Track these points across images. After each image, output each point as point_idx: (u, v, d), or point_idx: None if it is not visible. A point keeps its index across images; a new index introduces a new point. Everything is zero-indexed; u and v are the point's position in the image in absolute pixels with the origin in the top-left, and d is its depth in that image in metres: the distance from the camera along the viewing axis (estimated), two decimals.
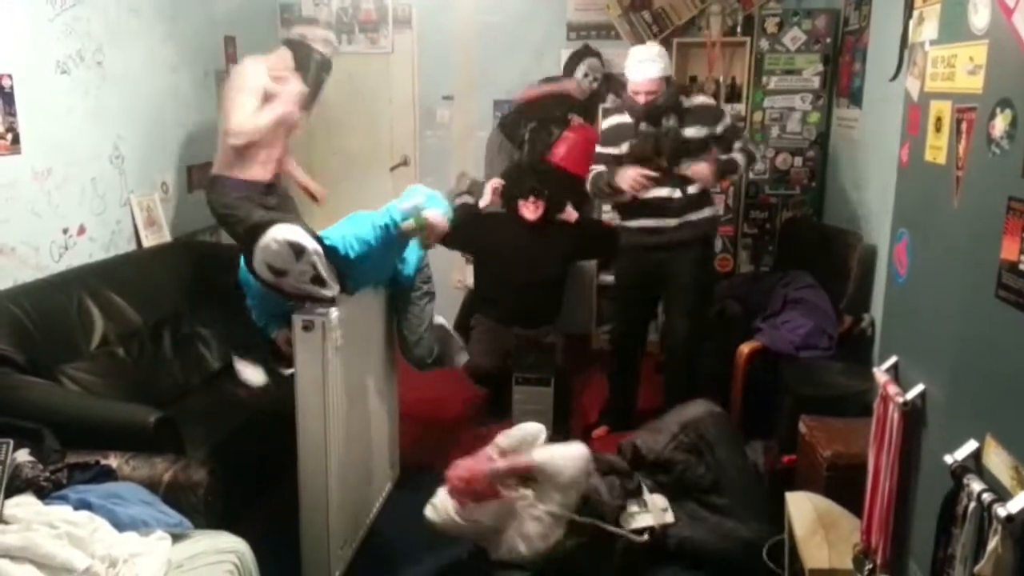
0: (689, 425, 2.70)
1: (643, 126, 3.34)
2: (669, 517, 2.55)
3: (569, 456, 2.49)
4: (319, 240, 2.47)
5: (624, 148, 3.40)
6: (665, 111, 3.31)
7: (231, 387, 3.22)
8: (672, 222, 3.42)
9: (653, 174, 3.30)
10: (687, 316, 3.48)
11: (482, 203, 3.98)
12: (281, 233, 2.38)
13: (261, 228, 2.41)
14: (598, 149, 3.55)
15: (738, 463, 2.68)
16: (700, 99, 3.44)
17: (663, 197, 3.39)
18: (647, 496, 2.60)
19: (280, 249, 2.35)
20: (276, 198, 3.62)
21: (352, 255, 2.55)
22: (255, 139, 3.38)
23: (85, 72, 3.20)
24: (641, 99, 3.29)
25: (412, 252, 2.98)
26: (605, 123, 3.58)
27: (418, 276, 3.04)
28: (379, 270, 2.83)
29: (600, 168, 3.49)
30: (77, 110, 3.17)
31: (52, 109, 3.03)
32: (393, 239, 2.67)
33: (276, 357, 3.18)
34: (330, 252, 2.49)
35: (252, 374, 3.23)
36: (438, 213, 2.73)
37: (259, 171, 3.50)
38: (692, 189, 3.39)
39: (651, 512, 2.56)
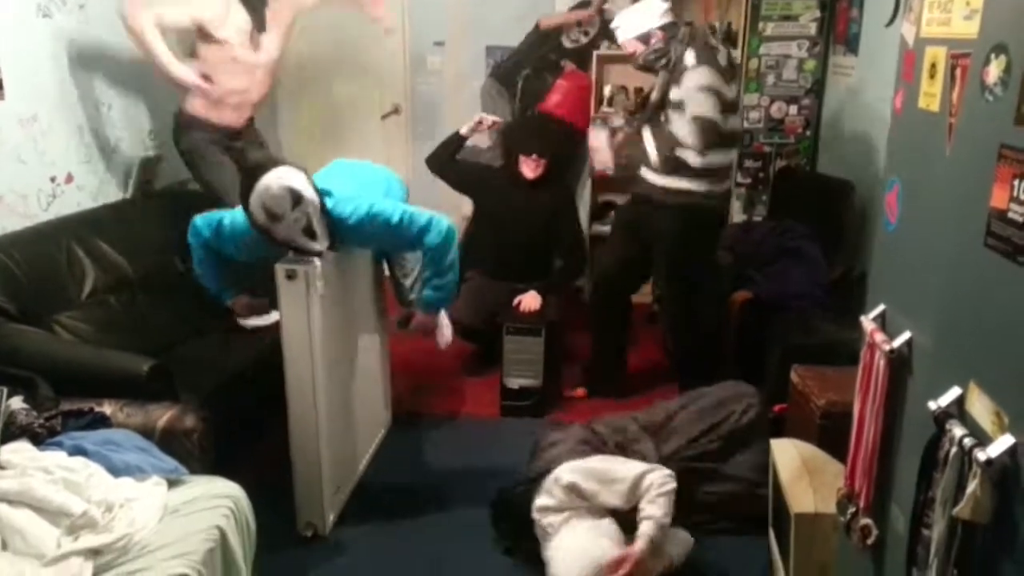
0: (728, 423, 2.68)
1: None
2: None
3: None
4: (320, 194, 2.45)
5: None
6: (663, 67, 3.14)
7: (223, 335, 3.21)
8: (653, 178, 3.26)
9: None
10: (667, 281, 3.40)
11: (463, 130, 3.84)
12: (285, 178, 2.36)
13: (264, 168, 2.39)
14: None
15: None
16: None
17: (646, 150, 3.26)
18: None
19: (280, 193, 2.34)
20: (245, 143, 3.51)
21: (351, 221, 2.54)
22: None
23: (67, 16, 3.14)
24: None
25: (398, 195, 2.97)
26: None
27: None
28: (370, 244, 2.81)
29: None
30: (60, 55, 3.11)
31: (35, 54, 2.97)
32: (399, 239, 2.64)
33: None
34: (328, 210, 2.48)
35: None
36: (426, 319, 2.92)
37: (230, 115, 3.41)
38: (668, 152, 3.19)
39: None
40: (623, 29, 3.22)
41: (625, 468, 2.40)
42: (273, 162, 2.44)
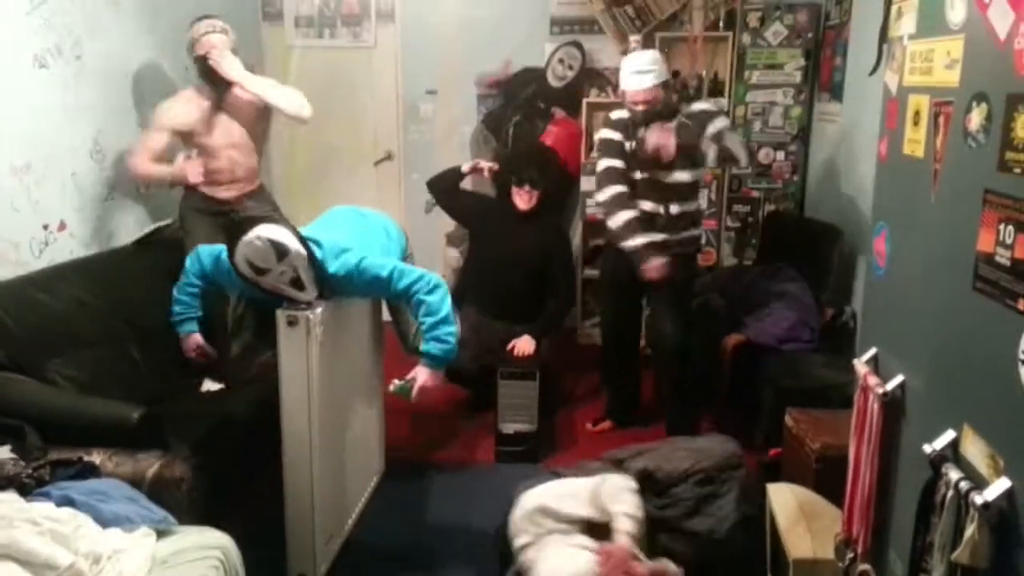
0: (708, 466, 2.56)
1: (642, 131, 3.28)
2: None
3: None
4: (306, 245, 2.46)
5: (619, 163, 3.37)
6: (665, 118, 3.28)
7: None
8: (656, 238, 3.35)
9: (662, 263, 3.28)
10: (670, 322, 3.43)
11: (464, 168, 3.90)
12: (267, 232, 2.38)
13: (248, 224, 2.42)
14: (605, 163, 3.40)
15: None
16: (699, 105, 3.40)
17: (649, 212, 3.36)
18: None
19: (263, 247, 2.36)
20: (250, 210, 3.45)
21: (340, 274, 2.55)
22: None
23: (64, 66, 3.17)
24: (639, 108, 3.27)
25: (396, 245, 2.98)
26: (598, 136, 3.54)
27: None
28: (361, 295, 2.79)
29: (628, 216, 3.32)
30: (56, 104, 3.14)
31: (31, 103, 2.99)
32: (389, 292, 2.63)
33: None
34: (315, 261, 2.49)
35: (210, 384, 3.21)
36: (430, 378, 2.64)
37: (217, 190, 3.43)
38: (674, 209, 3.34)
39: None
40: (651, 74, 3.25)
41: (582, 479, 2.46)
42: (255, 218, 2.48)
